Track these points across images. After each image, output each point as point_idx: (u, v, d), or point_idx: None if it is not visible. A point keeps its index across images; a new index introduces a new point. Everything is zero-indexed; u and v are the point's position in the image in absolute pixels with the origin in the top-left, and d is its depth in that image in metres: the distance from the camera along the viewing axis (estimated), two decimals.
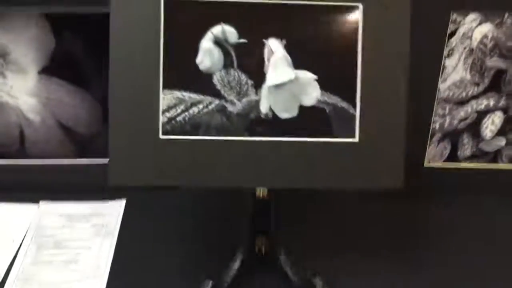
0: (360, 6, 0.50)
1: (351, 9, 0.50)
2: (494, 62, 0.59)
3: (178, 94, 0.51)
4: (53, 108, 0.61)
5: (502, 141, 0.63)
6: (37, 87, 0.60)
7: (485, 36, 0.58)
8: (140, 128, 0.50)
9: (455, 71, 0.60)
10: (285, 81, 0.50)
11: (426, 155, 0.63)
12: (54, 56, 0.58)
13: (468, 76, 0.60)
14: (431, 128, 0.62)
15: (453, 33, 0.57)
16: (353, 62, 0.51)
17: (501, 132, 0.62)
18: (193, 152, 0.51)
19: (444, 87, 0.60)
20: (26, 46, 0.57)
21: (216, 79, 0.51)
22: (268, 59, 0.51)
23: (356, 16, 0.50)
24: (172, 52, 0.50)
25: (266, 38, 0.51)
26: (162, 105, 0.51)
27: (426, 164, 0.63)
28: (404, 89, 0.51)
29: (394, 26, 0.50)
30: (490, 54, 0.58)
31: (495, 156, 0.63)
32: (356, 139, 0.51)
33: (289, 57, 0.51)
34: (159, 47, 0.50)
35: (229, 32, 0.51)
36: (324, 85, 0.51)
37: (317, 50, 0.51)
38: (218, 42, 0.51)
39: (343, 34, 0.51)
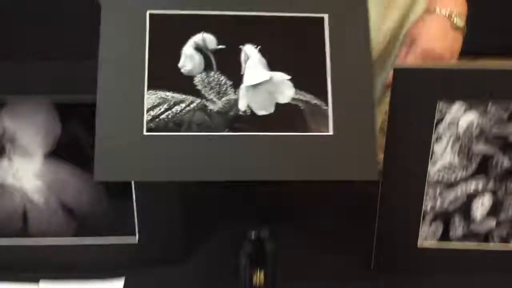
0: (326, 16, 0.57)
1: (318, 18, 0.57)
2: (480, 148, 0.61)
3: (161, 94, 0.55)
4: (57, 190, 0.63)
5: (492, 222, 0.64)
6: (42, 170, 0.62)
7: (471, 124, 0.60)
8: (125, 126, 0.54)
9: (444, 156, 0.62)
10: (261, 81, 0.55)
11: (419, 235, 0.64)
12: (60, 141, 0.61)
13: (457, 161, 0.62)
14: (422, 209, 0.64)
15: (440, 121, 0.60)
16: (322, 64, 0.56)
17: (491, 214, 0.64)
18: (176, 147, 0.54)
19: (434, 170, 0.62)
20: (34, 132, 0.60)
21: (197, 80, 0.56)
22: (245, 62, 0.57)
23: (322, 24, 0.57)
24: (157, 56, 0.55)
25: (243, 44, 0.56)
26: (147, 104, 0.54)
27: (419, 244, 0.64)
28: (369, 86, 0.57)
29: (355, 32, 0.57)
30: (476, 140, 0.61)
31: (486, 236, 0.64)
32: (331, 132, 0.55)
33: (264, 60, 0.56)
34: (145, 52, 0.55)
35: (209, 39, 0.57)
36: (298, 84, 0.56)
37: (289, 54, 0.57)
38: (199, 48, 0.56)
39: (312, 39, 0.57)
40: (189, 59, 0.55)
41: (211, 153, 0.54)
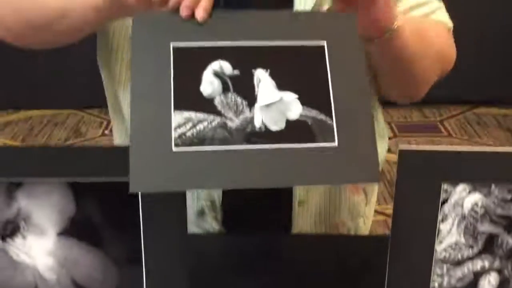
0: (325, 43, 0.66)
1: (318, 46, 0.66)
2: (485, 228, 0.62)
3: (186, 114, 0.62)
4: (69, 268, 0.64)
5: None
6: (55, 248, 0.63)
7: (476, 204, 0.61)
8: (156, 143, 0.61)
9: (450, 235, 0.63)
10: (272, 101, 0.63)
11: None
12: (74, 219, 0.62)
13: (463, 240, 0.63)
14: (430, 286, 0.64)
15: (445, 201, 0.61)
16: (325, 83, 0.64)
17: None
18: (201, 160, 0.61)
19: (440, 248, 0.63)
20: (48, 212, 0.62)
21: (217, 102, 0.63)
22: (257, 85, 0.65)
23: (323, 50, 0.66)
24: (181, 82, 0.63)
25: (255, 69, 0.65)
26: (174, 123, 0.61)
27: None
28: (367, 100, 0.65)
29: (351, 54, 0.65)
30: (481, 220, 0.62)
31: None
32: (336, 143, 0.62)
33: (274, 82, 0.64)
34: (170, 79, 0.63)
35: (225, 66, 0.65)
36: (304, 102, 0.64)
37: (296, 76, 0.65)
38: (217, 74, 0.64)
39: (315, 63, 0.65)
40: (209, 84, 0.63)
41: (231, 164, 0.61)
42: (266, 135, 0.62)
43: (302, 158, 0.61)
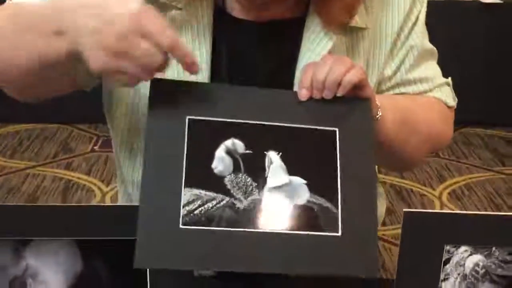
0: (337, 129, 0.66)
1: (330, 131, 0.65)
2: (486, 287, 0.64)
3: (196, 191, 0.62)
4: None
5: None
6: None
7: (477, 265, 0.63)
8: (164, 219, 0.60)
9: None
10: (282, 184, 0.63)
11: None
12: (81, 276, 0.62)
13: None
14: None
15: (447, 261, 0.63)
16: (334, 171, 0.64)
17: None
18: (207, 240, 0.61)
19: None
20: (55, 269, 0.62)
21: (227, 180, 0.63)
22: (268, 167, 0.64)
23: (334, 137, 0.65)
24: (193, 158, 0.63)
25: (267, 150, 0.64)
26: (183, 200, 0.61)
27: None
28: (373, 195, 0.65)
29: (362, 145, 0.65)
30: (482, 280, 0.64)
31: None
32: (339, 234, 0.62)
33: (284, 166, 0.64)
34: (183, 154, 0.62)
35: (238, 144, 0.64)
36: (312, 188, 0.64)
37: (306, 161, 0.65)
38: (229, 152, 0.64)
39: (325, 149, 0.65)
40: (221, 161, 0.63)
41: (237, 246, 0.61)
42: (272, 218, 0.62)
43: (305, 245, 0.61)
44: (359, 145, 0.65)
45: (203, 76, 0.74)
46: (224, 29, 0.75)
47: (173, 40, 0.60)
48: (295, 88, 0.74)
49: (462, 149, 2.79)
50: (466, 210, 2.37)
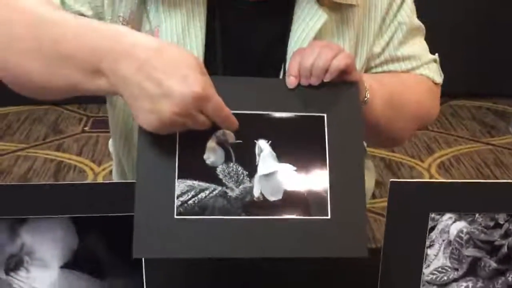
0: (325, 115, 0.67)
1: (319, 117, 0.66)
2: (470, 252, 0.66)
3: (189, 182, 0.63)
4: None
5: None
6: (58, 280, 0.65)
7: (461, 231, 0.65)
8: (159, 210, 0.62)
9: (436, 259, 0.67)
10: (272, 172, 0.64)
11: None
12: (77, 253, 0.64)
13: (448, 263, 0.67)
14: None
15: (432, 228, 0.65)
16: (322, 157, 0.66)
17: None
18: (201, 229, 0.62)
19: (428, 271, 0.67)
20: (51, 247, 0.63)
21: (219, 171, 0.65)
22: (259, 155, 0.65)
23: (322, 122, 0.66)
24: (186, 150, 0.64)
25: (257, 139, 0.65)
26: (177, 191, 0.63)
27: None
28: (362, 177, 0.66)
29: (350, 128, 0.66)
30: (466, 246, 0.66)
31: None
32: (329, 217, 0.64)
33: (274, 153, 0.65)
34: (175, 147, 0.63)
35: (229, 135, 0.65)
36: (302, 174, 0.65)
37: (295, 148, 0.66)
38: (220, 143, 0.65)
39: (314, 135, 0.65)
40: (212, 152, 0.65)
41: (229, 234, 0.63)
42: (263, 205, 0.64)
43: (296, 230, 0.63)
44: (348, 129, 0.66)
45: (198, 52, 0.75)
46: (218, 6, 0.75)
47: (226, 113, 0.62)
48: (287, 65, 0.74)
49: (450, 121, 2.82)
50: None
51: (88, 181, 2.28)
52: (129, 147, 0.86)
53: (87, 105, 2.82)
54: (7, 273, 0.64)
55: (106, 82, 0.62)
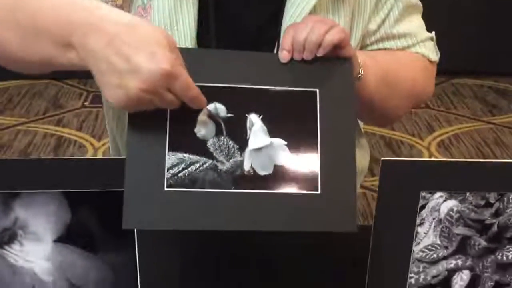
0: (317, 90, 0.67)
1: (311, 92, 0.66)
2: (460, 230, 0.67)
3: (180, 155, 0.64)
4: (65, 270, 0.66)
5: None
6: (52, 253, 0.66)
7: (451, 210, 0.65)
8: (149, 182, 0.63)
9: (426, 237, 0.67)
10: (262, 146, 0.64)
11: None
12: (69, 227, 0.65)
13: (438, 241, 0.67)
14: (407, 283, 0.69)
15: (423, 207, 0.65)
16: (314, 131, 0.65)
17: (469, 287, 0.69)
18: (191, 202, 0.63)
19: (417, 249, 0.67)
20: (44, 221, 0.64)
21: (209, 144, 0.65)
22: (250, 129, 0.65)
23: (315, 97, 0.66)
24: (177, 123, 0.64)
25: (248, 113, 0.65)
26: (167, 164, 0.63)
27: None
28: (353, 153, 0.66)
29: (342, 104, 0.66)
30: (456, 224, 0.66)
31: None
32: (319, 192, 0.64)
33: (265, 128, 0.65)
34: (166, 120, 0.63)
35: (220, 108, 0.65)
36: (293, 149, 0.65)
37: (287, 122, 0.66)
38: (211, 116, 0.65)
39: (306, 110, 0.65)
40: (203, 125, 0.65)
41: (219, 207, 0.64)
42: (254, 179, 0.64)
43: (285, 204, 0.63)
44: (340, 105, 0.66)
45: (190, 28, 0.74)
46: None
47: (194, 93, 0.61)
48: (281, 41, 0.73)
49: (451, 99, 2.81)
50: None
51: (88, 156, 2.30)
52: (122, 127, 0.86)
53: (87, 80, 2.82)
54: (1, 246, 0.65)
55: (76, 55, 0.61)
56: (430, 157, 2.29)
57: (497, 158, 2.31)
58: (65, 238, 0.65)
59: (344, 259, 0.79)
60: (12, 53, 0.65)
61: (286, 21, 0.76)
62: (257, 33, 0.77)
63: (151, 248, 0.68)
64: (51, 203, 0.64)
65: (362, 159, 0.93)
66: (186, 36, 0.73)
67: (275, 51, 0.77)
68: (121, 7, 0.73)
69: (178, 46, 0.63)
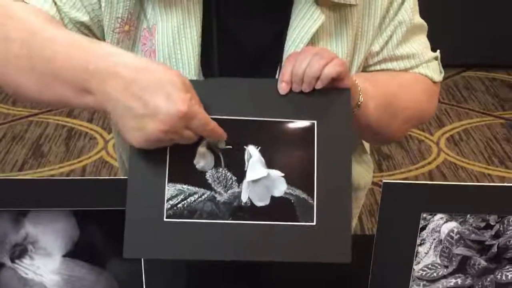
0: (315, 122, 0.67)
1: (309, 124, 0.67)
2: (460, 251, 0.68)
3: (179, 186, 0.65)
4: (74, 284, 0.69)
5: None
6: (60, 268, 0.68)
7: (451, 231, 0.66)
8: (149, 213, 0.64)
9: (427, 256, 0.68)
10: (260, 177, 0.66)
11: None
12: (78, 243, 0.67)
13: (438, 260, 0.68)
14: None
15: (423, 228, 0.66)
16: (311, 163, 0.66)
17: None
18: (189, 232, 0.64)
19: (418, 268, 0.69)
20: (54, 237, 0.66)
21: (208, 175, 0.66)
22: (248, 161, 0.66)
23: (312, 129, 0.66)
24: (176, 155, 0.64)
25: (247, 145, 0.66)
26: (167, 195, 0.64)
27: None
28: (348, 187, 0.67)
29: (339, 137, 0.67)
30: (456, 244, 0.67)
31: None
32: (314, 223, 0.65)
33: (263, 159, 0.66)
34: (166, 152, 0.64)
35: (219, 141, 0.65)
36: (289, 181, 0.66)
37: (284, 154, 0.67)
38: (210, 148, 0.66)
39: (303, 142, 0.66)
40: (202, 157, 0.66)
41: (217, 237, 0.65)
42: (251, 210, 0.65)
43: (282, 235, 0.64)
44: (337, 137, 0.66)
45: (194, 51, 0.74)
46: (214, 3, 0.75)
47: (211, 127, 0.63)
48: (283, 64, 0.74)
49: (462, 93, 2.79)
50: (463, 156, 2.40)
51: (98, 148, 2.32)
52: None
53: None
54: (12, 261, 0.67)
55: (93, 100, 0.63)
56: (439, 152, 2.28)
57: (507, 154, 2.30)
58: (74, 253, 0.67)
59: (343, 275, 0.80)
60: (30, 97, 0.69)
61: (289, 44, 0.76)
62: (259, 55, 0.77)
63: (157, 262, 0.69)
64: (60, 220, 0.66)
65: (366, 174, 0.94)
66: (190, 57, 0.74)
67: (277, 74, 0.77)
68: (128, 32, 0.74)
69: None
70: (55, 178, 0.64)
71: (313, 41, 0.76)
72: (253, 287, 0.79)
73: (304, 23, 0.75)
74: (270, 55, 0.76)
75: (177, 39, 0.73)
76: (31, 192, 0.63)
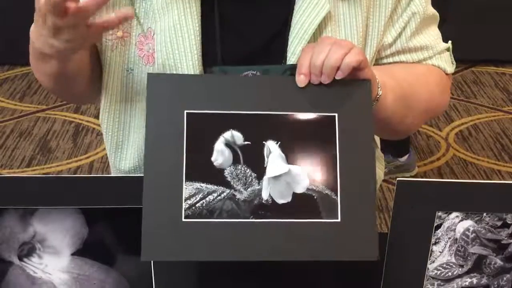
0: (336, 114, 0.65)
1: (330, 117, 0.65)
2: (475, 250, 0.66)
3: (197, 185, 0.63)
4: (82, 282, 0.68)
5: None
6: (69, 266, 0.67)
7: (467, 229, 0.65)
8: (167, 214, 0.62)
9: (441, 255, 0.67)
10: (281, 174, 0.63)
11: None
12: (86, 241, 0.66)
13: (453, 260, 0.67)
14: None
15: (438, 226, 0.65)
16: (333, 158, 0.64)
17: None
18: (209, 232, 0.62)
19: (432, 267, 0.67)
20: (62, 235, 0.65)
21: (227, 173, 0.63)
22: (267, 156, 0.64)
23: (333, 123, 0.64)
24: (193, 152, 0.63)
25: (265, 140, 0.64)
26: (185, 194, 0.62)
27: None
28: (373, 181, 0.64)
29: (361, 129, 0.64)
30: (472, 243, 0.66)
31: None
32: (339, 220, 0.63)
33: (283, 155, 0.64)
34: (183, 149, 0.62)
35: (237, 136, 0.64)
36: (311, 176, 0.64)
37: (305, 149, 0.64)
38: (228, 144, 0.64)
39: (324, 136, 0.64)
40: (220, 154, 0.64)
41: (238, 237, 0.63)
42: (272, 208, 0.62)
43: (305, 233, 0.62)
44: (359, 129, 0.64)
45: (196, 46, 0.73)
46: None
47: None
48: (287, 56, 0.74)
49: (471, 88, 2.77)
50: (472, 151, 2.38)
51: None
52: (115, 147, 0.84)
53: None
54: (20, 259, 0.67)
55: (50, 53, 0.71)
56: (448, 148, 2.26)
57: None
58: (82, 251, 0.66)
59: (357, 274, 0.79)
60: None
61: (293, 35, 0.74)
62: (263, 46, 0.75)
63: (166, 261, 0.68)
64: (68, 218, 0.65)
65: (378, 169, 0.92)
66: (190, 51, 0.73)
67: (282, 64, 0.75)
68: (122, 38, 0.73)
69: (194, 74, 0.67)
70: (63, 176, 0.63)
71: (319, 31, 0.75)
72: (262, 285, 0.78)
73: (309, 13, 0.73)
74: (274, 46, 0.75)
75: (174, 37, 0.72)
76: (39, 190, 0.62)
